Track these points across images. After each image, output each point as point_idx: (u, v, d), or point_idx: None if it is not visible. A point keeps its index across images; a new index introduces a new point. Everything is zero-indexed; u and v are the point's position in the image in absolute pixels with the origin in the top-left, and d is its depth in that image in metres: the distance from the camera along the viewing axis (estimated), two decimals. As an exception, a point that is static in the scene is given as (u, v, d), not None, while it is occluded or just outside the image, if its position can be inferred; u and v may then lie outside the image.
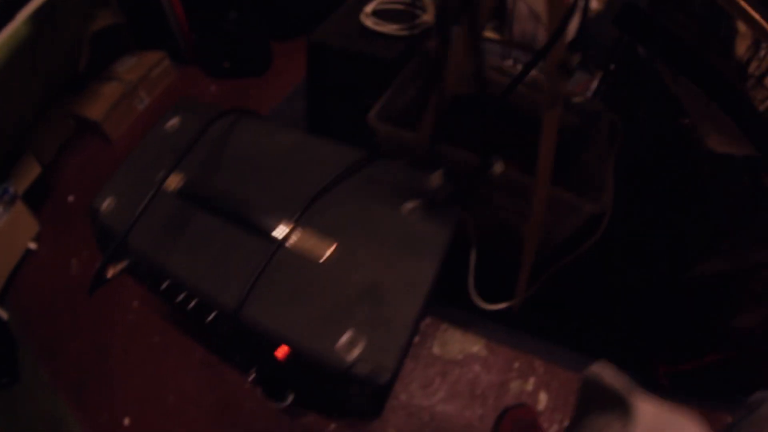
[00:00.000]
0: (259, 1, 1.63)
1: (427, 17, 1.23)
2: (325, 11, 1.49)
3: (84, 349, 1.25)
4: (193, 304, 0.68)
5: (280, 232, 0.66)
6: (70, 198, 1.56)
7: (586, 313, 1.14)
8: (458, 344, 1.13)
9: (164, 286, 0.71)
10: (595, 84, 1.31)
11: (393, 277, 0.62)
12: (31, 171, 1.46)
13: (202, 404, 1.13)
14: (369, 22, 1.25)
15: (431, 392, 1.09)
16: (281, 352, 0.65)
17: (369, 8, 1.27)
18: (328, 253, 0.66)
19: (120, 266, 0.73)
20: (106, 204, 0.77)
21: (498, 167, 0.76)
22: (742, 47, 0.98)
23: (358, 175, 0.73)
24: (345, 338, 0.57)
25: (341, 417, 1.06)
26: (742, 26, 0.95)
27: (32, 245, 1.42)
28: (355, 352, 0.57)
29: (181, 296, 0.69)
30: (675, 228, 1.01)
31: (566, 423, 1.02)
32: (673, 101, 0.87)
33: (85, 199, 1.51)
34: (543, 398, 1.06)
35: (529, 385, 1.08)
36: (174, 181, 0.76)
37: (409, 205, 0.69)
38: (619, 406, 0.49)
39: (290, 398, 0.86)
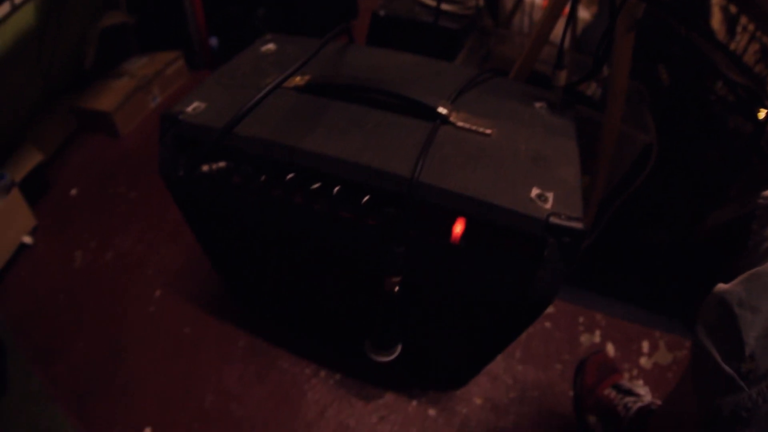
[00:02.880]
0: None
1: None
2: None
3: (91, 351, 0.96)
4: (336, 191, 0.55)
5: (442, 109, 0.56)
6: (73, 191, 1.28)
7: (631, 268, 1.11)
8: (527, 303, 1.05)
9: (288, 177, 0.54)
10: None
11: (550, 149, 0.55)
12: (30, 159, 1.21)
13: (250, 401, 0.89)
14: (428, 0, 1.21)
15: (508, 354, 0.95)
16: (458, 227, 0.55)
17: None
18: (491, 130, 0.59)
19: (218, 165, 0.58)
20: (193, 107, 0.59)
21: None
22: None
23: (489, 82, 0.67)
24: (534, 193, 0.50)
25: (439, 371, 0.89)
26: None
27: (27, 240, 1.13)
28: (549, 204, 0.50)
29: (315, 186, 0.53)
30: (693, 178, 1.05)
31: (635, 372, 0.96)
32: (693, 50, 0.94)
33: (90, 193, 1.28)
34: (610, 348, 0.98)
35: (597, 337, 0.99)
36: (292, 82, 0.65)
37: (538, 104, 0.66)
38: None
39: (398, 350, 0.69)
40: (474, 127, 0.56)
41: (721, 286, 0.44)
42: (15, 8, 1.13)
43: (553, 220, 0.47)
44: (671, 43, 0.96)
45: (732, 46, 1.01)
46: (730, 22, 1.00)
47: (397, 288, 0.55)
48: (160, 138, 0.63)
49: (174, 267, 1.09)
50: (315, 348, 0.95)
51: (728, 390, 0.40)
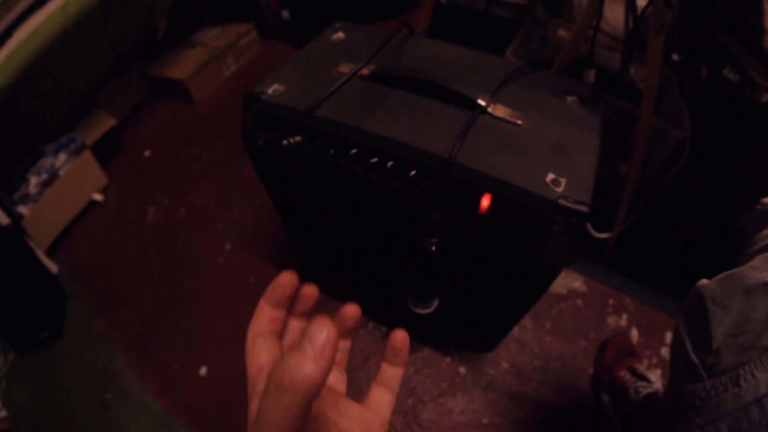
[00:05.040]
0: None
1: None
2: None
3: (157, 297, 1.19)
4: (390, 164, 0.72)
5: (481, 101, 0.74)
6: (146, 153, 1.53)
7: (665, 257, 1.21)
8: (562, 279, 1.19)
9: (352, 152, 0.74)
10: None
11: (572, 140, 0.71)
12: (102, 124, 1.45)
13: (302, 345, 1.13)
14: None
15: (539, 325, 1.12)
16: (485, 201, 0.74)
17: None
18: (522, 120, 0.74)
19: (295, 139, 0.77)
20: (273, 89, 0.80)
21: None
22: None
23: (528, 76, 0.84)
24: (549, 178, 0.65)
25: (472, 328, 1.05)
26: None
27: (98, 197, 1.37)
28: (560, 188, 0.64)
29: (373, 160, 0.73)
30: (732, 176, 1.09)
31: (655, 360, 1.07)
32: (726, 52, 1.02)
33: (164, 154, 1.51)
34: (635, 333, 1.11)
35: (623, 321, 1.13)
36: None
37: (570, 98, 0.82)
38: None
39: (435, 305, 0.88)
40: (507, 117, 0.74)
41: (702, 282, 0.51)
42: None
43: (562, 202, 0.64)
44: (710, 44, 1.05)
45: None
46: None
47: (433, 248, 0.75)
48: (243, 113, 0.85)
49: (244, 223, 1.33)
50: (366, 301, 1.15)
51: (692, 378, 0.47)
